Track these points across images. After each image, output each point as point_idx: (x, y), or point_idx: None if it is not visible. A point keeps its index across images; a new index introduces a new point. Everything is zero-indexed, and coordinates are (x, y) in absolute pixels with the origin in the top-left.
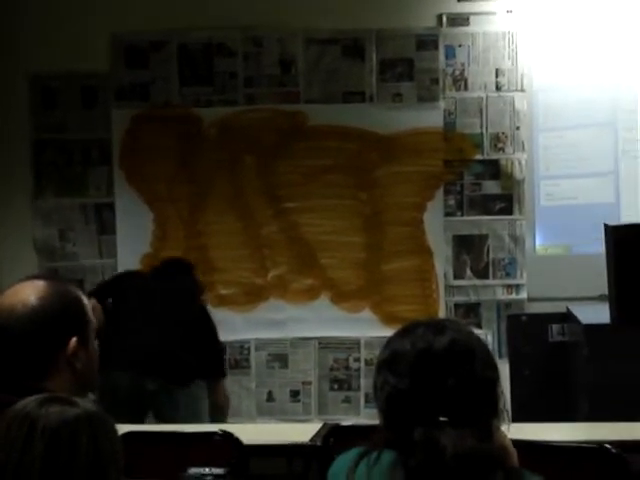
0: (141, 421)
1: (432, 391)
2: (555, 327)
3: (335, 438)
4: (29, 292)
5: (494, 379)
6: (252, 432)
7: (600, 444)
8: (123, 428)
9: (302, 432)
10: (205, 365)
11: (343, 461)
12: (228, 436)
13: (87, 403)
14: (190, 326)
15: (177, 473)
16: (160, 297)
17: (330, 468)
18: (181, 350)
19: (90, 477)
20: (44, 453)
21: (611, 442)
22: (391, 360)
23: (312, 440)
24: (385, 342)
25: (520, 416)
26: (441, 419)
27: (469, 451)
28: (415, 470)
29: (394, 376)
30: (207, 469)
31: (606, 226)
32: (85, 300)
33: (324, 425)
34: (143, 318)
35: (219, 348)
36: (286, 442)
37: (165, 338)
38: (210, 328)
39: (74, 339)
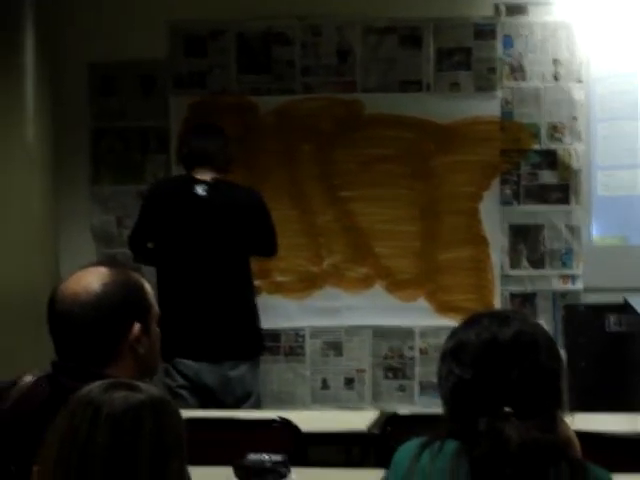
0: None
1: (496, 382)
2: (612, 317)
3: (392, 427)
4: (92, 279)
5: (558, 370)
6: (309, 419)
7: None
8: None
9: (358, 420)
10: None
11: (406, 450)
12: (286, 423)
13: (151, 388)
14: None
15: (236, 459)
16: (212, 228)
17: (393, 457)
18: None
19: (154, 463)
20: (108, 439)
21: None
22: (456, 350)
23: (370, 428)
24: (450, 332)
25: (577, 407)
26: (506, 410)
27: (534, 442)
28: (480, 460)
29: (458, 366)
30: (266, 455)
31: None
32: (147, 286)
33: (381, 413)
34: (194, 272)
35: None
36: (344, 430)
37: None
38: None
39: (137, 325)
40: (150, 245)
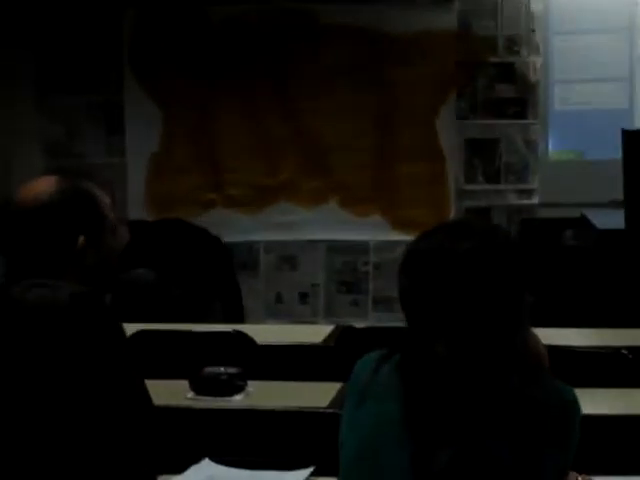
0: None
1: (439, 295)
2: (569, 232)
3: (347, 340)
4: (41, 188)
5: (519, 286)
6: (264, 333)
7: (614, 349)
8: (135, 327)
9: (313, 334)
10: None
11: (366, 363)
12: (242, 336)
13: (75, 286)
14: None
15: (192, 372)
16: None
17: (353, 370)
18: None
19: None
20: (23, 332)
21: (625, 347)
22: (409, 260)
23: (325, 341)
24: (411, 241)
25: (533, 321)
26: (441, 325)
27: (463, 359)
28: (410, 375)
29: (411, 277)
30: (222, 368)
31: (624, 131)
32: (101, 197)
33: (336, 327)
34: None
35: None
36: (299, 342)
37: None
38: None
39: (82, 237)
40: None
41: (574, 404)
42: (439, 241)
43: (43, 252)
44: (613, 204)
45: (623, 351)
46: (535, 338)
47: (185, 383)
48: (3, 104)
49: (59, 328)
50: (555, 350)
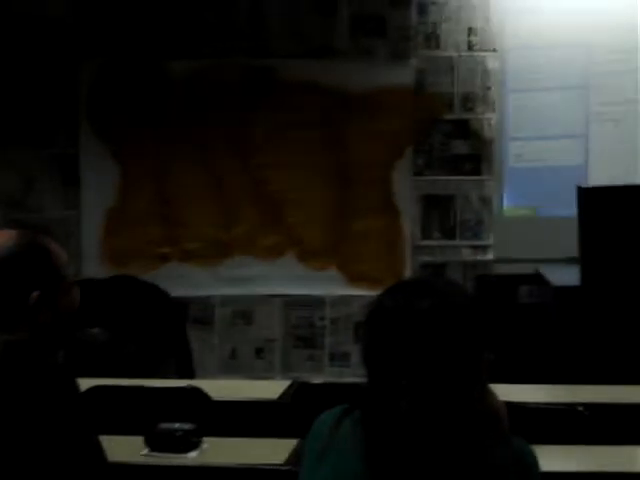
0: None
1: (405, 352)
2: (524, 288)
3: (304, 396)
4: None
5: (477, 346)
6: (219, 388)
7: (570, 405)
8: (90, 382)
9: (269, 389)
10: None
11: (326, 419)
12: (197, 392)
13: (12, 336)
14: None
15: (147, 428)
16: None
17: (312, 426)
18: None
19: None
20: None
21: (581, 404)
22: (372, 316)
23: (281, 397)
24: (375, 297)
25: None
26: (404, 382)
27: (427, 416)
28: (373, 432)
29: (369, 332)
30: (177, 424)
31: (579, 188)
32: (58, 253)
33: (292, 383)
34: None
35: None
36: (255, 399)
37: None
38: None
39: (36, 292)
40: None
41: (535, 466)
42: (401, 299)
43: None
44: (568, 261)
45: (579, 408)
46: (493, 395)
47: (140, 439)
48: None
49: None
50: (512, 406)
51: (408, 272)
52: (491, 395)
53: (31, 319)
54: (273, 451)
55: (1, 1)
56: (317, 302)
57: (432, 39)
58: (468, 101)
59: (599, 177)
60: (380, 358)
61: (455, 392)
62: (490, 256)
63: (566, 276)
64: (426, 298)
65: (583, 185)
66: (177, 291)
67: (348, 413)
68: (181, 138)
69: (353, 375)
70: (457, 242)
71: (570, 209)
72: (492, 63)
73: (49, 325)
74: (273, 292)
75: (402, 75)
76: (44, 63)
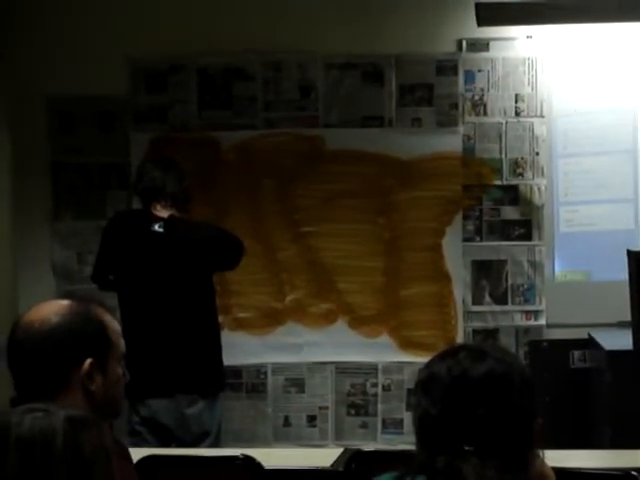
0: None
1: (461, 419)
2: (576, 353)
3: (357, 464)
4: (50, 310)
5: (530, 411)
6: (272, 457)
7: (625, 471)
8: (142, 452)
9: (322, 457)
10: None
11: None
12: (249, 460)
13: (69, 409)
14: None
15: None
16: (170, 261)
17: None
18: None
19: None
20: (18, 462)
21: (636, 469)
22: (426, 382)
23: (334, 465)
24: (426, 362)
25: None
26: (467, 448)
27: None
28: None
29: (427, 399)
30: None
31: (629, 252)
32: (110, 323)
33: (345, 450)
34: (156, 306)
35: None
36: (307, 467)
37: (189, 336)
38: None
39: (89, 360)
40: (111, 277)
41: None
42: (455, 366)
43: (50, 374)
44: (621, 325)
45: (633, 473)
46: (542, 461)
47: None
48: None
49: (53, 457)
50: (566, 472)
51: (460, 338)
52: (540, 460)
53: (84, 388)
54: None
55: (53, 81)
56: (369, 369)
57: (479, 106)
58: (517, 167)
59: None
60: (437, 425)
61: (512, 457)
62: (542, 321)
63: (618, 340)
64: (480, 365)
65: (633, 249)
66: (229, 359)
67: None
68: (232, 208)
69: (406, 442)
70: (509, 307)
71: (621, 273)
72: (540, 129)
73: (101, 395)
74: (325, 359)
75: (450, 142)
76: (98, 138)
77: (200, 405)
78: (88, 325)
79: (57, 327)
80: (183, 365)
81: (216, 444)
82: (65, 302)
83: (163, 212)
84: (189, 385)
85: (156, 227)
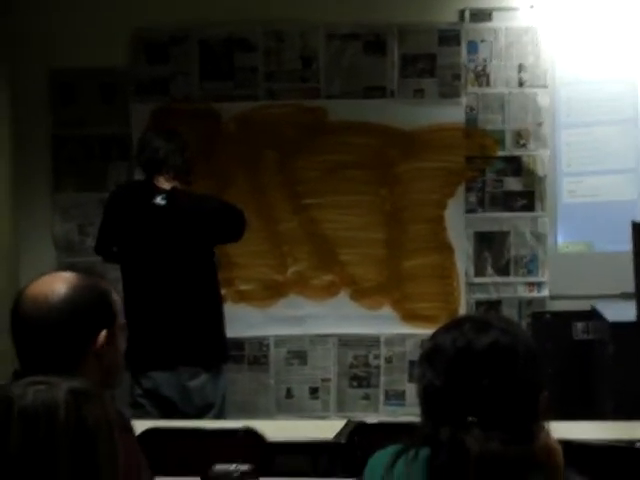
0: None
1: (465, 390)
2: (579, 325)
3: (359, 435)
4: (59, 283)
5: (535, 382)
6: (274, 429)
7: (629, 443)
8: (144, 424)
9: (325, 429)
10: None
11: (381, 458)
12: (252, 433)
13: (72, 381)
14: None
15: (202, 470)
16: (172, 234)
17: (367, 465)
18: (214, 315)
19: (76, 451)
20: (22, 432)
21: (639, 441)
22: (431, 354)
23: (336, 437)
24: (432, 334)
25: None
26: (470, 419)
27: (495, 454)
28: (439, 470)
29: (431, 371)
30: (233, 466)
31: (634, 223)
32: (114, 294)
33: (348, 422)
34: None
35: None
36: (310, 439)
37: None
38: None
39: (104, 332)
40: (115, 249)
41: None
42: (460, 337)
43: (68, 348)
44: (624, 296)
45: (637, 445)
46: (548, 434)
47: None
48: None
49: (56, 429)
50: (569, 444)
51: (462, 310)
52: (545, 433)
53: (98, 360)
54: None
55: (55, 53)
56: (371, 341)
57: (482, 76)
58: (520, 137)
59: None
60: (441, 397)
61: (518, 429)
62: (545, 293)
63: (622, 311)
64: (484, 336)
65: (637, 220)
66: (232, 332)
67: (403, 453)
68: (233, 180)
69: (408, 414)
70: (511, 279)
71: (624, 244)
72: (543, 99)
73: (111, 368)
74: (327, 332)
75: (453, 113)
76: (98, 110)
77: (203, 378)
78: (98, 297)
79: (70, 300)
80: (185, 337)
81: (220, 416)
82: (70, 274)
83: (166, 184)
84: (192, 357)
85: (158, 199)
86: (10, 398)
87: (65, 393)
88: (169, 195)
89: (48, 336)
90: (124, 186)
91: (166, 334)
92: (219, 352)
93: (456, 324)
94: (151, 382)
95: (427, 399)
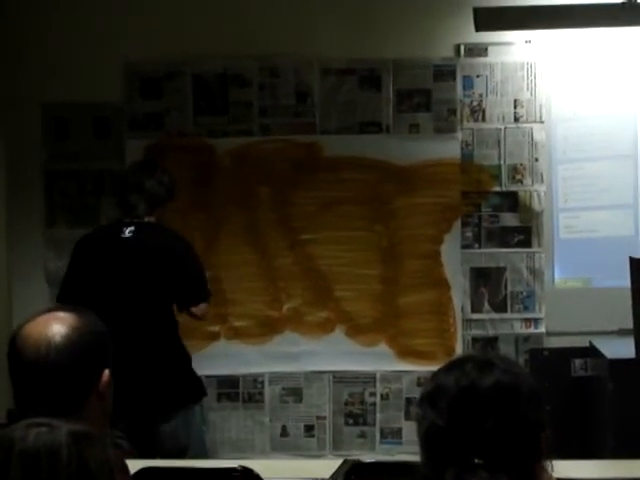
0: None
1: (470, 431)
2: (577, 362)
3: (356, 475)
4: (59, 324)
5: (538, 422)
6: (270, 468)
7: None
8: (138, 464)
9: (321, 468)
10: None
11: None
12: (248, 472)
13: (72, 424)
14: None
15: None
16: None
17: None
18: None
19: None
20: (22, 476)
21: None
22: (432, 394)
23: (333, 477)
24: (432, 374)
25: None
26: (476, 461)
27: None
28: None
29: (433, 411)
30: None
31: (632, 259)
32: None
33: (345, 461)
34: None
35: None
36: (306, 479)
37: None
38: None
39: (106, 372)
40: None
41: None
42: (463, 378)
43: (73, 390)
44: (622, 332)
45: None
46: (550, 476)
47: None
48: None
49: (57, 472)
50: None
51: (459, 346)
52: (548, 475)
53: (101, 399)
54: None
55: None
56: (367, 378)
57: (478, 111)
58: (516, 173)
59: None
60: (445, 437)
61: (522, 471)
62: (542, 329)
63: (620, 348)
64: (487, 375)
65: (635, 255)
66: (226, 369)
67: None
68: (228, 215)
69: (404, 452)
70: (508, 315)
71: (622, 280)
72: (539, 134)
73: (110, 403)
74: (322, 369)
75: (449, 148)
76: (92, 144)
77: (174, 422)
78: (98, 337)
79: (73, 343)
80: (151, 383)
81: (200, 456)
82: (66, 315)
83: (138, 217)
84: (160, 402)
85: (126, 232)
86: (11, 439)
87: (66, 435)
88: (137, 227)
89: (55, 380)
90: (94, 229)
91: (133, 380)
92: (189, 392)
93: (458, 364)
94: (125, 425)
95: (429, 439)
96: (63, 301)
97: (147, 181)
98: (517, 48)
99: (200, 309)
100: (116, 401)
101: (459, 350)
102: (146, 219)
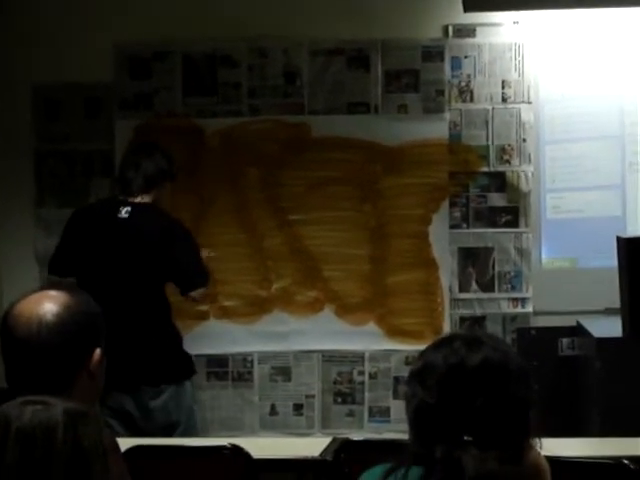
0: None
1: (459, 408)
2: (565, 341)
3: (346, 453)
4: (51, 302)
5: (527, 399)
6: (260, 446)
7: (616, 460)
8: (128, 442)
9: (310, 446)
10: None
11: (370, 477)
12: (237, 450)
13: (67, 402)
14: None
15: None
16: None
17: None
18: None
19: (71, 472)
20: (19, 453)
21: (626, 457)
22: (422, 372)
23: (322, 455)
24: (420, 352)
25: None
26: (465, 438)
27: (490, 473)
28: None
29: (423, 389)
30: None
31: (618, 238)
32: (99, 311)
33: (334, 440)
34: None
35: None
36: (296, 457)
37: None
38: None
39: (98, 350)
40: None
41: None
42: (451, 355)
43: (64, 368)
44: (608, 312)
45: (625, 461)
46: (535, 452)
47: None
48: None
49: (53, 450)
50: (556, 461)
51: (447, 326)
52: (535, 452)
53: (91, 377)
54: None
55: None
56: (356, 357)
57: (466, 92)
58: (504, 153)
59: (637, 227)
60: (434, 415)
61: (511, 447)
62: (529, 308)
63: (607, 327)
64: (476, 353)
65: (622, 235)
66: (215, 348)
67: (392, 472)
68: (217, 196)
69: (392, 430)
70: (495, 295)
71: (609, 260)
72: (527, 115)
73: (101, 381)
74: (311, 348)
75: (437, 129)
76: (82, 125)
77: (164, 396)
78: (90, 316)
79: (65, 321)
80: (143, 357)
81: (189, 433)
82: (58, 293)
83: (135, 197)
84: (151, 377)
85: (123, 212)
86: (7, 417)
87: (62, 414)
88: (133, 208)
89: (46, 357)
90: (90, 204)
91: (124, 354)
92: (179, 369)
93: (446, 341)
94: (115, 401)
95: (418, 417)
96: (54, 271)
97: (144, 160)
98: (505, 29)
99: (199, 293)
100: (108, 376)
101: (447, 329)
102: (141, 198)
